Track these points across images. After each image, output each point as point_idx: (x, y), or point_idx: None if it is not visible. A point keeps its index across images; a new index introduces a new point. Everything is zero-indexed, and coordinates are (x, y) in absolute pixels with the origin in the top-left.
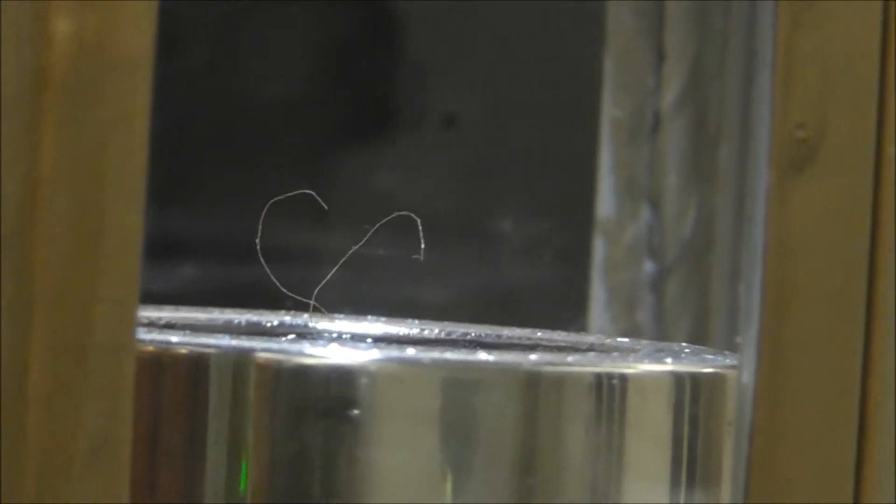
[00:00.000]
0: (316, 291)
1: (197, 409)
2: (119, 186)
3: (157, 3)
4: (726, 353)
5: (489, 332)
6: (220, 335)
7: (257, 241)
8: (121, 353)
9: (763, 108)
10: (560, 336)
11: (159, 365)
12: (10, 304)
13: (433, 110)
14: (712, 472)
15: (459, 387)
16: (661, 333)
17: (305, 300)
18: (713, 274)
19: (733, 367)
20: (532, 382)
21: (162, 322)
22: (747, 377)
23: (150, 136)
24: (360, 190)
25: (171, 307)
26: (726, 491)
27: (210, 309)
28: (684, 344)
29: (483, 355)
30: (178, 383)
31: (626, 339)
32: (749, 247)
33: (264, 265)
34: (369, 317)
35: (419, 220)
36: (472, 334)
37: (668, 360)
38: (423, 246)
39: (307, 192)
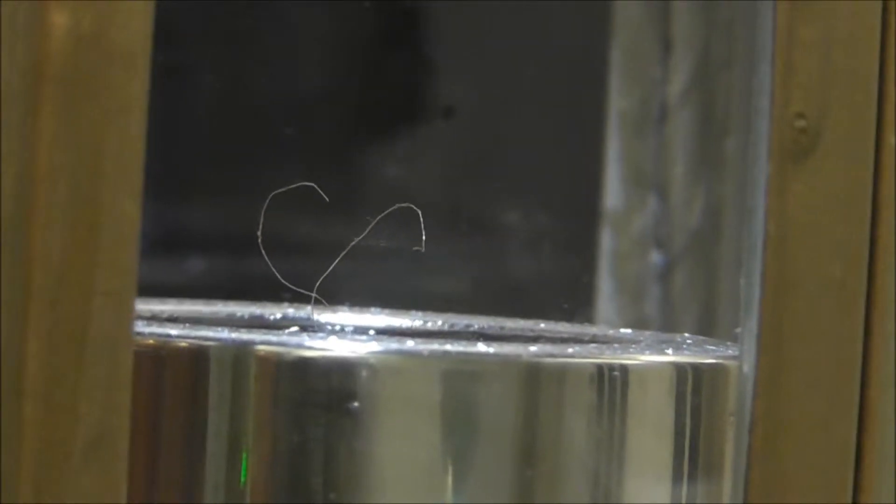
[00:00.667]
0: (317, 284)
1: (197, 402)
2: (116, 179)
3: None
4: (729, 343)
5: (492, 323)
6: (219, 328)
7: (258, 233)
8: (118, 346)
9: (763, 98)
10: (563, 327)
11: (159, 358)
12: (7, 297)
13: (439, 102)
14: (714, 464)
15: (460, 378)
16: (668, 324)
17: (307, 293)
18: (720, 265)
19: (735, 357)
20: (532, 374)
21: (165, 315)
22: (748, 368)
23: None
24: (367, 182)
25: (175, 300)
26: (727, 482)
27: (214, 302)
28: (687, 335)
29: (483, 347)
30: (177, 376)
31: (629, 331)
32: (749, 237)
33: (265, 257)
34: (372, 309)
35: (420, 212)
36: (475, 326)
37: (670, 350)
38: (424, 237)
39: (308, 184)
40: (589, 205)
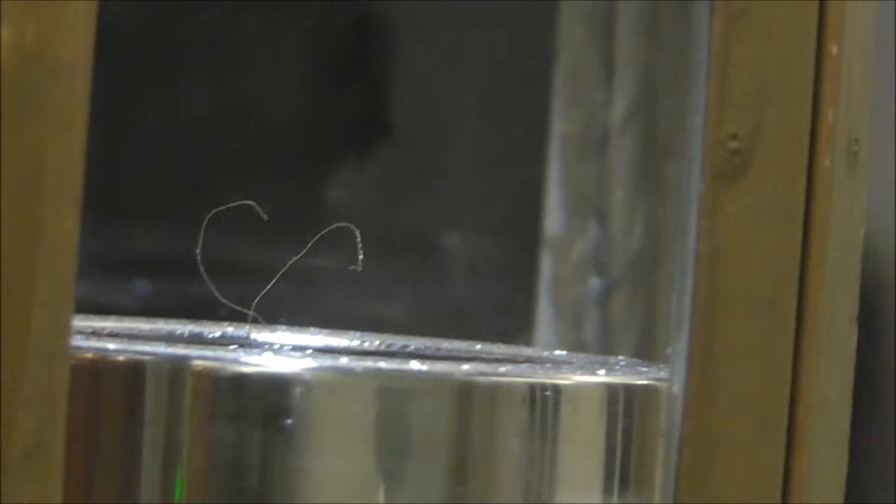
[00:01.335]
0: (255, 302)
1: (133, 416)
2: (57, 193)
3: (95, 9)
4: (662, 366)
5: (428, 344)
6: (157, 343)
7: (197, 251)
8: (56, 358)
9: (697, 118)
10: (498, 349)
11: (96, 371)
12: None
13: (379, 123)
14: (644, 483)
15: (393, 396)
16: (607, 348)
17: (245, 311)
18: (660, 289)
19: (667, 379)
20: (465, 392)
21: (105, 331)
22: (677, 388)
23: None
24: (308, 203)
25: (116, 318)
26: (658, 501)
27: (154, 319)
28: (620, 357)
29: (416, 365)
30: (114, 390)
31: (563, 353)
32: (682, 257)
33: (204, 275)
34: (311, 329)
35: (358, 232)
36: (412, 346)
37: (602, 371)
38: (361, 257)
39: (247, 202)
40: (530, 229)
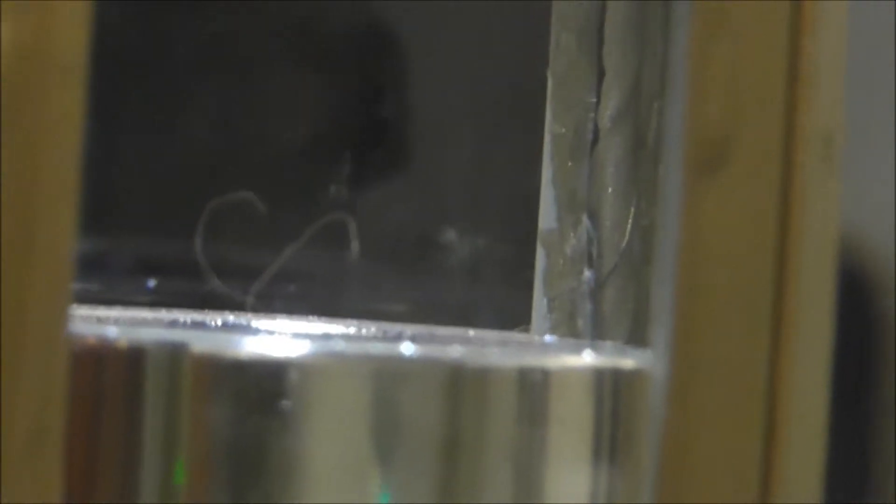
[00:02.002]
0: (253, 290)
1: (133, 401)
2: (53, 183)
3: (92, 9)
4: (649, 350)
5: (424, 330)
6: (157, 329)
7: (197, 240)
8: (55, 344)
9: (676, 114)
10: (491, 335)
11: (97, 357)
12: None
13: (377, 123)
14: (631, 464)
15: (385, 378)
16: (600, 338)
17: (243, 296)
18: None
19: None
20: (455, 374)
21: (108, 319)
22: (659, 372)
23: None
24: (307, 200)
25: (121, 307)
26: (645, 482)
27: (158, 309)
28: (610, 342)
29: (408, 348)
30: (115, 375)
31: (553, 338)
32: (663, 248)
33: (204, 265)
34: (310, 317)
35: (354, 224)
36: (407, 333)
37: (590, 354)
38: (355, 246)
39: (246, 193)
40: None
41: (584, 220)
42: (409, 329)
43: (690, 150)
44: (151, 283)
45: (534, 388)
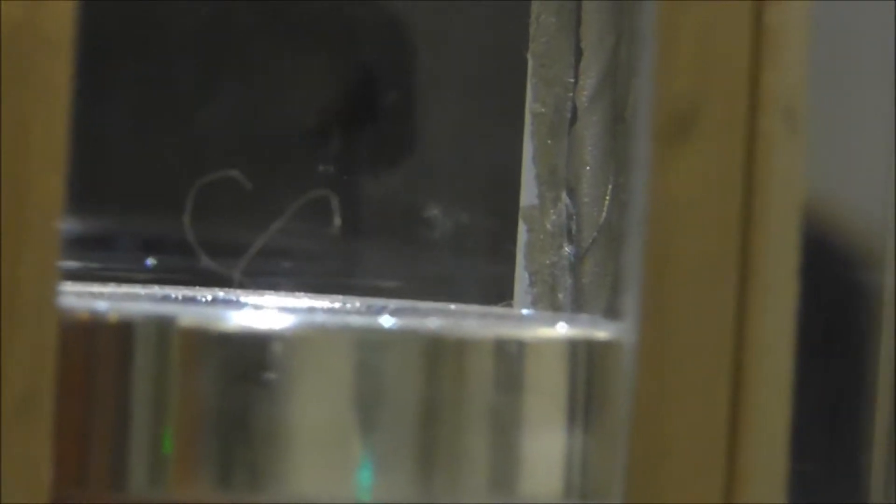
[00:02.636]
0: (240, 266)
1: (123, 373)
2: (43, 156)
3: None
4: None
5: (406, 305)
6: (145, 302)
7: (185, 218)
8: (44, 314)
9: (645, 83)
10: (471, 308)
11: (87, 329)
12: None
13: (363, 101)
14: (604, 431)
15: (366, 349)
16: (579, 310)
17: (230, 271)
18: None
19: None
20: (433, 344)
21: (103, 296)
22: (630, 341)
23: None
24: (295, 178)
25: (114, 284)
26: (618, 449)
27: (151, 286)
28: (584, 315)
29: (387, 320)
30: (104, 347)
31: (531, 311)
32: (632, 216)
33: (193, 241)
34: (296, 293)
35: (337, 199)
36: (390, 307)
37: (563, 327)
38: (338, 223)
39: (231, 172)
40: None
41: (564, 196)
42: (393, 304)
43: (658, 121)
44: (149, 261)
45: (510, 358)
